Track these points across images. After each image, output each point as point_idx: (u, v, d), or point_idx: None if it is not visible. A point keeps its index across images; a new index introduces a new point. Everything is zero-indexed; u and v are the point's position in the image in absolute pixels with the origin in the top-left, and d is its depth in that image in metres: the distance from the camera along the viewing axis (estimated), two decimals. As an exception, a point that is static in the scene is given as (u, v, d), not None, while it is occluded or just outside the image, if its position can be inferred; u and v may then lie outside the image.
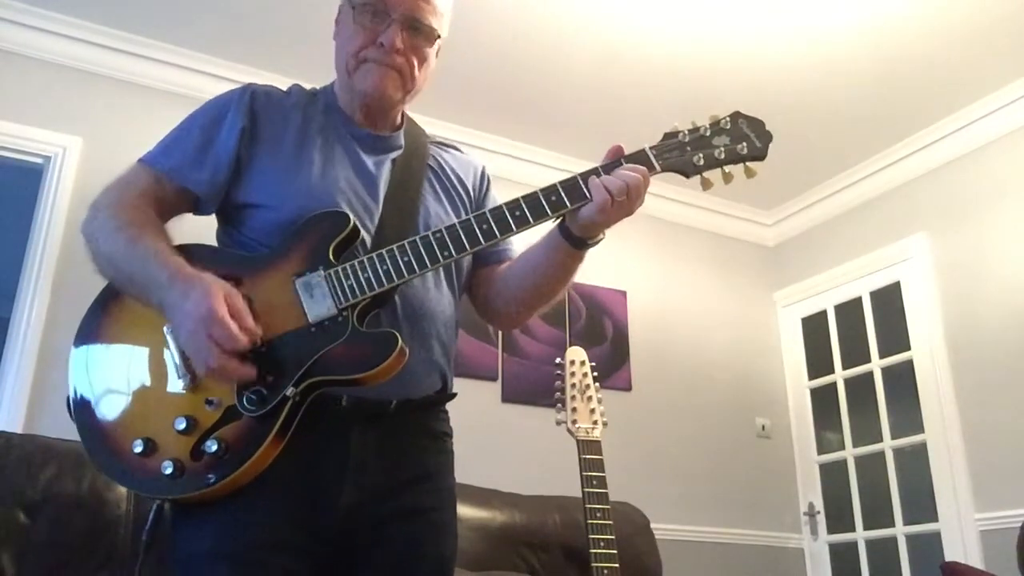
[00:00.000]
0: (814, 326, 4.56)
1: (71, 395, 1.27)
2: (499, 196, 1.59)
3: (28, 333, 3.01)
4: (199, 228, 1.42)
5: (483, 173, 1.59)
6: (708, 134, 1.35)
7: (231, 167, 1.35)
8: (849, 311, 4.37)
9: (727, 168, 1.35)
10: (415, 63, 1.41)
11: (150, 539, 1.23)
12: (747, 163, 1.35)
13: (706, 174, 1.34)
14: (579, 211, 1.30)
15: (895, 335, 4.08)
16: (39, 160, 3.26)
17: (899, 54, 3.45)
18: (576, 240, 1.34)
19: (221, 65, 3.55)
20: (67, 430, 2.08)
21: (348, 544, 1.26)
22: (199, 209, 1.39)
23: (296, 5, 3.22)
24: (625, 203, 1.27)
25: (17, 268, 3.14)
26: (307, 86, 1.51)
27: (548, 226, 1.36)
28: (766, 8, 3.23)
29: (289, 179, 1.33)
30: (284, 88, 1.48)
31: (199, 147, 1.35)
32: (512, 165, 3.98)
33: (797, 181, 4.36)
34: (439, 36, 1.43)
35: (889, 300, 4.15)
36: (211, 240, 1.41)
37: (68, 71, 3.36)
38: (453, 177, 1.51)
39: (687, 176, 1.35)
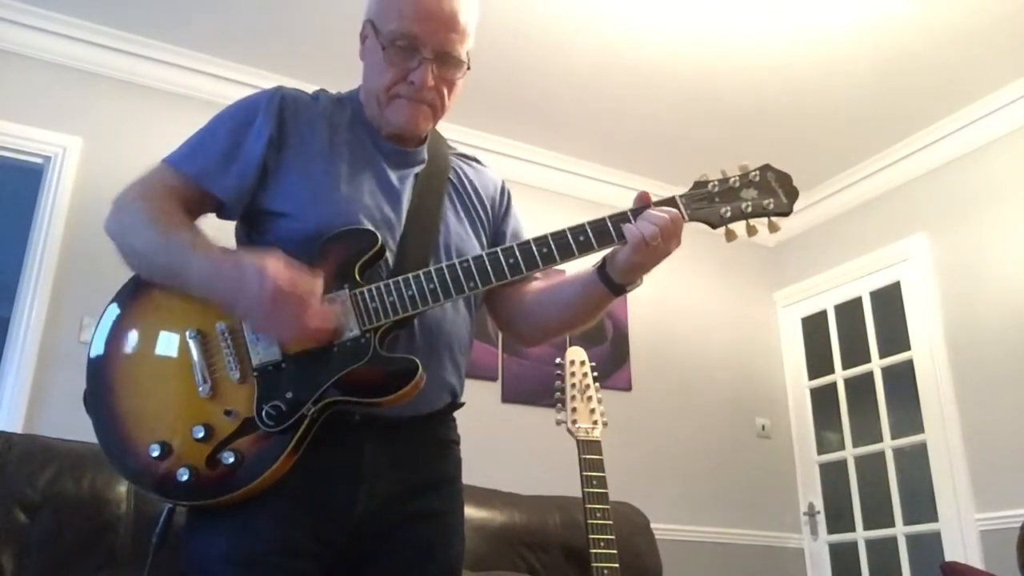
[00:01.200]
0: (814, 326, 4.56)
1: (88, 391, 1.27)
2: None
3: (28, 333, 3.01)
4: (214, 224, 1.41)
5: (503, 190, 1.59)
6: (737, 186, 1.38)
7: (258, 174, 1.33)
8: (849, 311, 4.37)
9: (752, 221, 1.38)
10: (445, 93, 1.41)
11: (160, 541, 1.23)
12: (772, 218, 1.38)
13: (731, 226, 1.38)
14: (616, 256, 1.33)
15: (895, 335, 4.07)
16: (39, 160, 3.26)
17: (899, 54, 3.45)
18: (615, 287, 1.36)
19: (221, 65, 3.54)
20: (67, 430, 2.08)
21: (359, 548, 1.27)
22: (222, 213, 1.38)
23: (296, 5, 3.21)
24: (660, 246, 1.29)
25: (17, 268, 3.14)
26: (333, 91, 1.50)
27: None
28: (766, 8, 3.23)
29: (315, 191, 1.33)
30: (311, 92, 1.47)
31: (225, 152, 1.34)
32: (512, 165, 3.97)
33: (797, 181, 4.34)
34: (468, 64, 1.42)
35: (889, 300, 4.15)
36: (228, 235, 1.41)
37: (68, 71, 3.36)
38: (473, 194, 1.51)
39: (713, 227, 1.38)
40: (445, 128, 1.55)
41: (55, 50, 3.34)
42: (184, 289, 1.24)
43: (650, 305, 4.29)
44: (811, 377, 4.50)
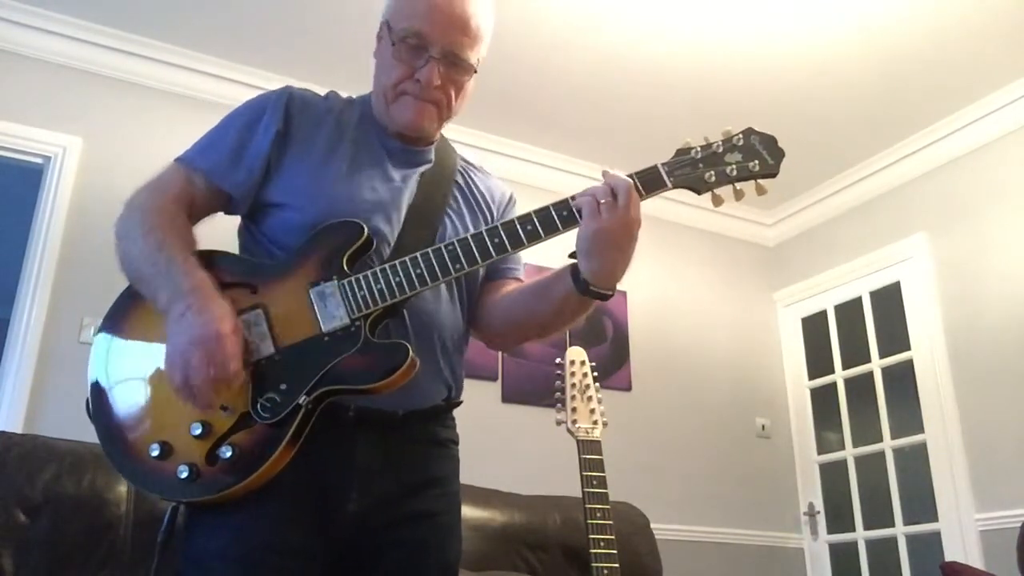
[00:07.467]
0: (814, 326, 4.56)
1: (90, 395, 1.28)
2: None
3: (28, 333, 3.01)
4: (218, 222, 1.43)
5: (510, 198, 1.58)
6: (720, 150, 1.34)
7: (263, 168, 1.36)
8: (849, 311, 4.37)
9: (738, 185, 1.35)
10: (452, 95, 1.41)
11: (165, 539, 1.24)
12: (758, 180, 1.35)
13: (717, 191, 1.34)
14: (578, 236, 1.29)
15: (895, 335, 4.08)
16: (39, 160, 3.26)
17: (898, 54, 3.45)
18: (582, 285, 1.30)
19: (222, 65, 3.54)
20: (67, 430, 2.08)
21: (356, 548, 1.27)
22: (230, 209, 1.40)
23: (296, 5, 3.21)
24: (614, 208, 1.25)
25: (17, 268, 3.14)
26: (343, 94, 1.51)
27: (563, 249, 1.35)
28: (766, 9, 3.24)
29: (315, 183, 1.35)
30: (322, 93, 1.48)
31: (235, 149, 1.37)
32: (512, 165, 3.97)
33: (797, 181, 4.37)
34: (476, 69, 1.43)
35: (889, 300, 4.15)
36: (229, 234, 1.42)
37: (68, 71, 3.36)
38: (480, 197, 1.51)
39: (698, 193, 1.34)
40: (445, 128, 1.55)
41: (55, 50, 3.34)
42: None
43: (650, 305, 4.30)
44: (811, 377, 4.50)
